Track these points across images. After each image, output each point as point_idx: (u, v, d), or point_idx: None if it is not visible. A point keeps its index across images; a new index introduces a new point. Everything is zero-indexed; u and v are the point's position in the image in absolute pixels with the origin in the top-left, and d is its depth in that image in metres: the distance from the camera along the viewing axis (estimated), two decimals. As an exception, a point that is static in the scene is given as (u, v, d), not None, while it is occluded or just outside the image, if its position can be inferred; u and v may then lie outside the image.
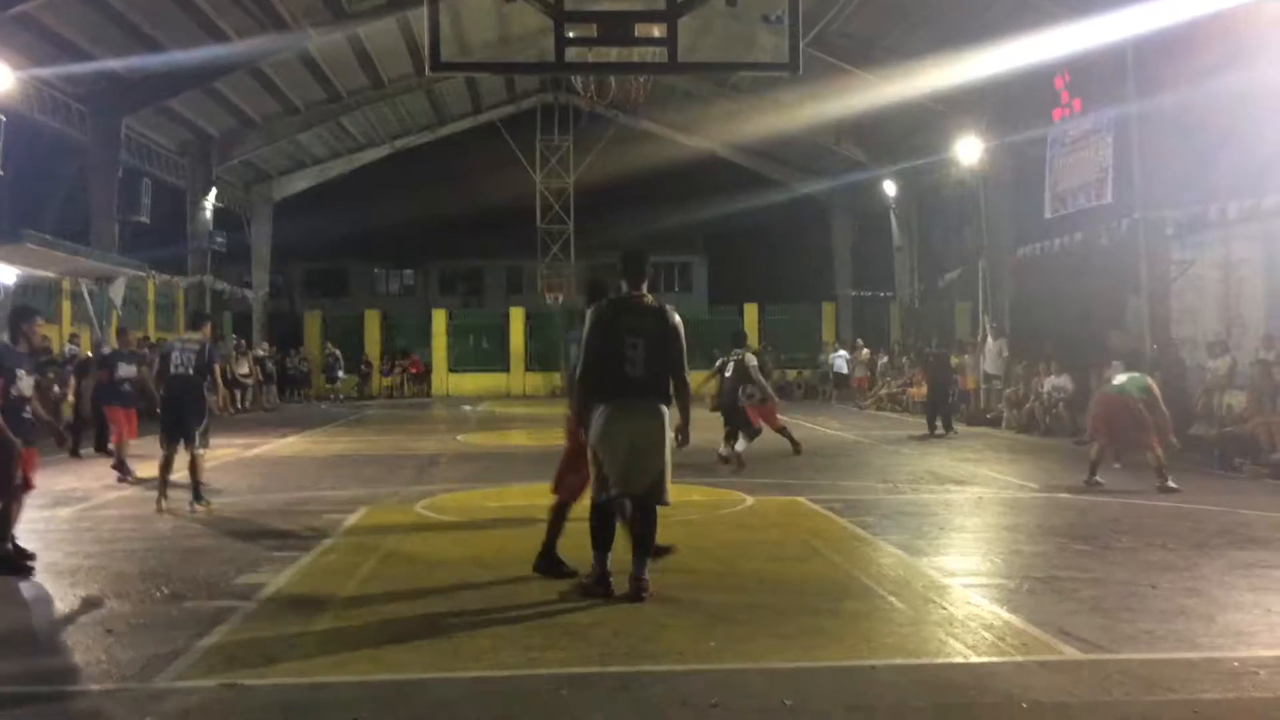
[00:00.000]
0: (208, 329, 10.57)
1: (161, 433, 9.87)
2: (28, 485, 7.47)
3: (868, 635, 5.47)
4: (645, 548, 6.32)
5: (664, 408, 6.29)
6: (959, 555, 7.74)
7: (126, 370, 12.48)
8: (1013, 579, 6.80)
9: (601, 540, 6.34)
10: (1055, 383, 17.59)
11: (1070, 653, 5.15)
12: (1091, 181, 18.13)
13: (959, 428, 18.44)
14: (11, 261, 17.51)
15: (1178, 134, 16.08)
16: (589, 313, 6.53)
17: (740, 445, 12.97)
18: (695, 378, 7.44)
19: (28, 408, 7.46)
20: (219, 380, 10.36)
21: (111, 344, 15.46)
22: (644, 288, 6.49)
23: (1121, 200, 17.35)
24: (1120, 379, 11.27)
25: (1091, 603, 6.10)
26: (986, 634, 5.48)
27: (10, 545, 7.19)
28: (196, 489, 9.68)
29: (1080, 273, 20.03)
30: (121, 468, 11.93)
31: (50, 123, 21.31)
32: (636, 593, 6.18)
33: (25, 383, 7.44)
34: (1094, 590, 6.41)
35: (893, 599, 6.23)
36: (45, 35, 18.92)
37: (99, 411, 13.49)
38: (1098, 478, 11.01)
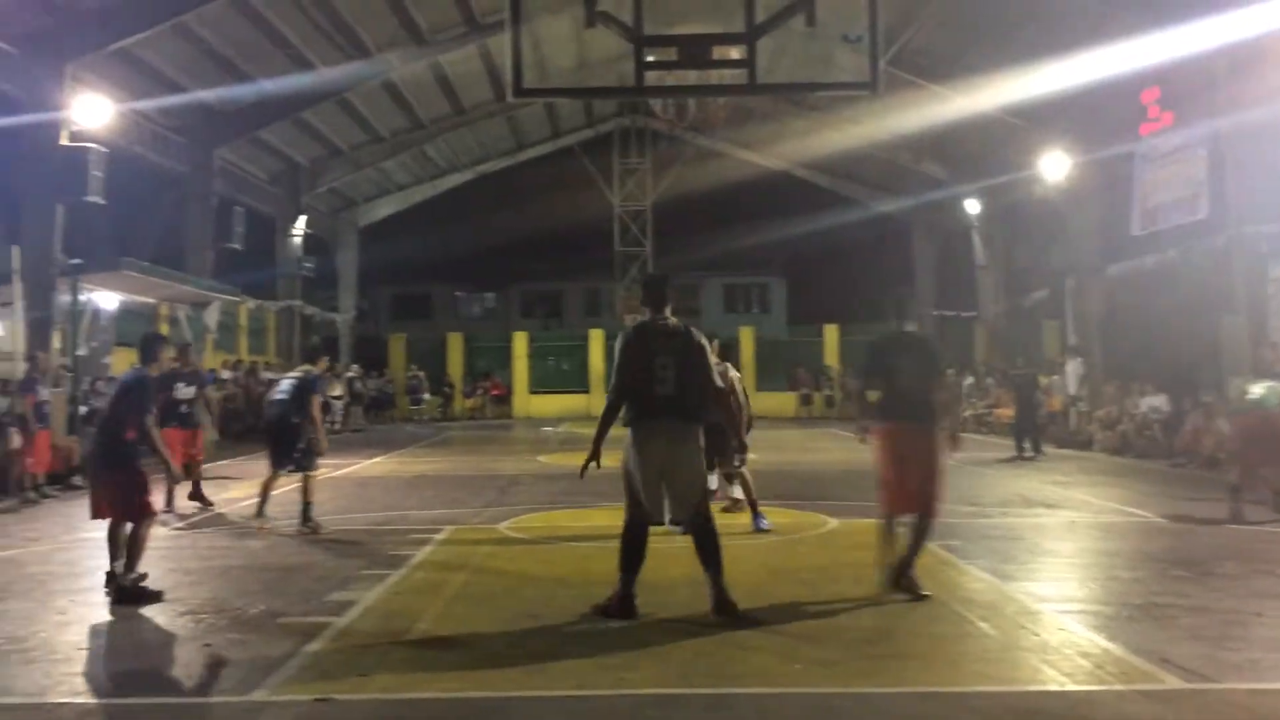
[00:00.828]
0: (322, 363, 10.97)
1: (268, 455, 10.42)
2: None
3: (957, 661, 5.37)
4: (715, 565, 6.32)
5: (698, 426, 6.39)
6: (1051, 580, 7.55)
7: (185, 391, 11.79)
8: (1109, 605, 6.62)
9: (630, 563, 6.34)
10: (1151, 403, 17.12)
11: (1172, 682, 5.00)
12: (1184, 197, 17.65)
13: (1047, 449, 18.03)
14: (112, 288, 18.17)
15: (1273, 147, 15.59)
16: (617, 341, 6.67)
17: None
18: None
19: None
20: (315, 413, 10.06)
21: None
22: (667, 312, 6.57)
23: (1216, 216, 16.86)
24: (1258, 390, 10.32)
25: (1193, 631, 5.91)
26: (1083, 661, 5.34)
27: (138, 575, 7.14)
28: (303, 510, 9.93)
29: (1173, 291, 19.49)
30: (198, 494, 11.62)
31: (148, 154, 22.07)
32: (719, 609, 6.20)
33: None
34: (1196, 618, 6.21)
35: (983, 624, 6.11)
36: (143, 70, 19.64)
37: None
38: (1242, 507, 9.90)
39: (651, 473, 6.29)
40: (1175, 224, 17.99)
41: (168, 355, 8.41)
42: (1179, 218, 17.85)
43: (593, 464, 6.28)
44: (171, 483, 10.98)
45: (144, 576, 7.12)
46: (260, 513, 10.17)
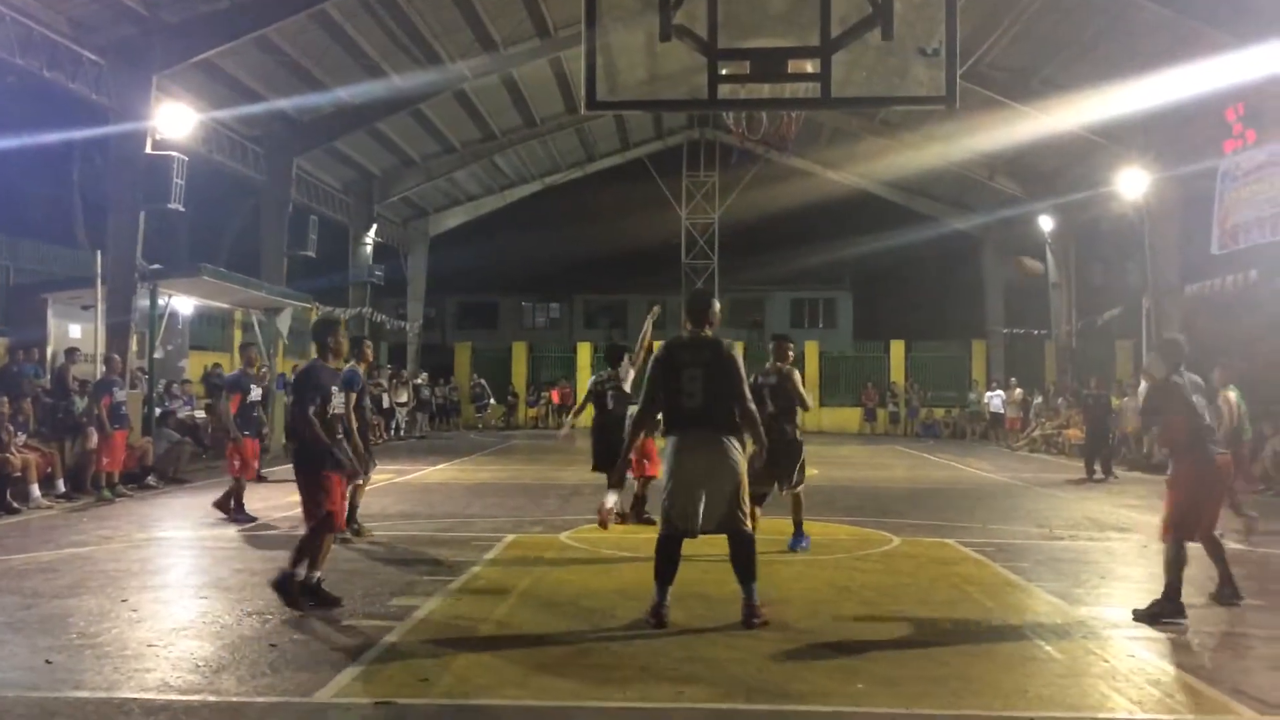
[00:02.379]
0: (367, 355, 10.52)
1: None
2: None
3: (1023, 685, 5.26)
4: (748, 576, 6.39)
5: (728, 438, 6.41)
6: (1122, 606, 7.36)
7: (256, 394, 11.54)
8: (1181, 632, 6.45)
9: (663, 575, 6.43)
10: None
11: (1247, 714, 4.85)
12: (1266, 216, 17.18)
13: (1119, 472, 17.63)
14: (190, 293, 18.62)
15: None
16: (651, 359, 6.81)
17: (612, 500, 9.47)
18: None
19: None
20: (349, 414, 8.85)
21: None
22: (706, 330, 6.60)
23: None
24: None
25: (1270, 661, 5.74)
26: (1153, 690, 5.21)
27: (316, 576, 6.93)
28: (349, 513, 9.81)
29: (1254, 312, 18.96)
30: (224, 504, 11.12)
31: (227, 162, 22.61)
32: (747, 620, 6.30)
33: (338, 399, 7.02)
34: (1272, 648, 6.02)
35: (1050, 648, 5.98)
36: (224, 80, 20.13)
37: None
38: None
39: (680, 484, 6.40)
40: (1257, 243, 17.52)
41: (345, 341, 7.39)
42: (1259, 237, 17.38)
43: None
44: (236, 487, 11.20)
45: (309, 578, 6.84)
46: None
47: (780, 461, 8.69)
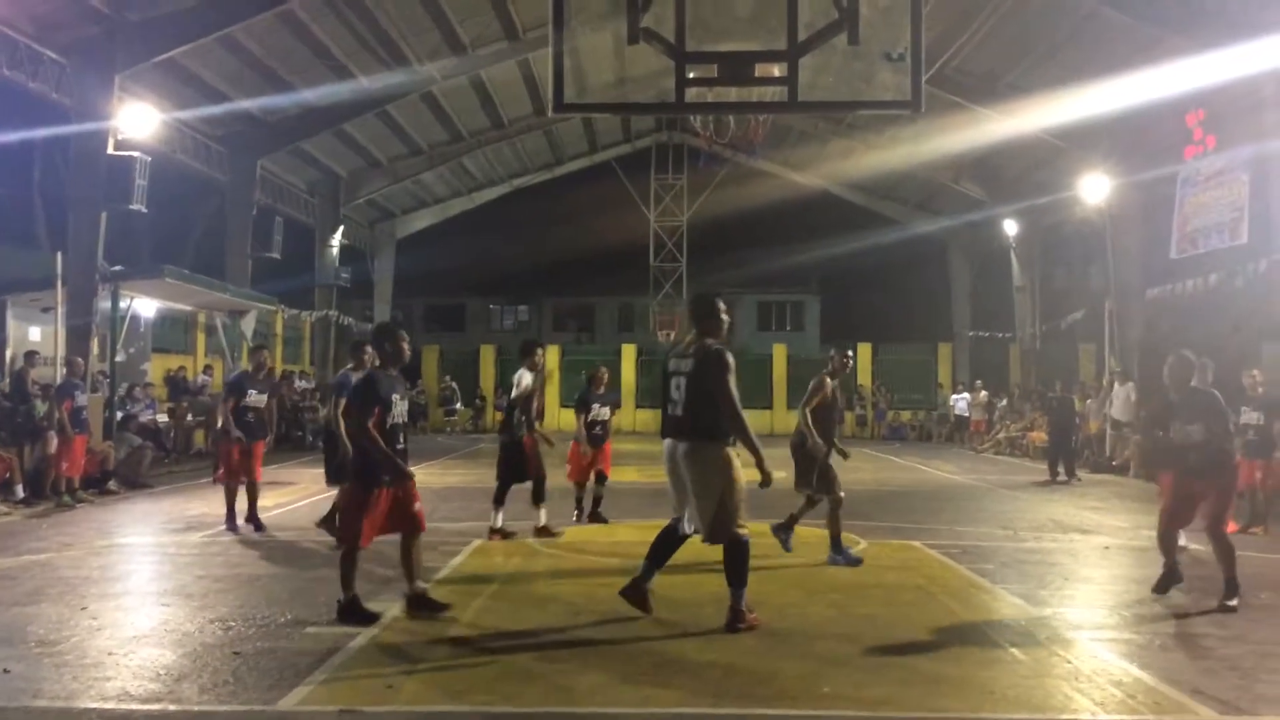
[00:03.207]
0: (368, 358, 9.13)
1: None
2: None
3: (989, 686, 5.30)
4: (734, 580, 6.43)
5: (708, 445, 6.41)
6: (1085, 607, 7.44)
7: (255, 399, 10.92)
8: (1143, 634, 6.52)
9: (654, 553, 6.70)
10: (1190, 431, 16.86)
11: (1206, 714, 4.91)
12: (1225, 222, 17.42)
13: (1082, 474, 17.83)
14: (152, 295, 18.42)
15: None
16: None
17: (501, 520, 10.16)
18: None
19: (400, 436, 6.73)
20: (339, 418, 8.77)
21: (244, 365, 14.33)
22: (710, 331, 6.57)
23: (1258, 241, 16.63)
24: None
25: (1228, 661, 5.81)
26: (1115, 690, 5.26)
27: (421, 586, 6.78)
28: (329, 514, 9.63)
29: (1214, 316, 19.21)
30: (329, 523, 9.69)
31: (191, 163, 22.39)
32: (729, 624, 6.34)
33: (400, 408, 6.75)
34: (1231, 648, 6.10)
35: (1014, 650, 6.03)
36: (188, 79, 19.93)
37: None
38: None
39: (673, 487, 6.63)
40: (1214, 248, 17.77)
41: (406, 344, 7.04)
42: (1218, 242, 17.62)
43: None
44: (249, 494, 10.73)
45: (414, 588, 6.71)
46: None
47: (797, 466, 9.06)
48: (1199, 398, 7.65)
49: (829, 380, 9.16)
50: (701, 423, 6.43)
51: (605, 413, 11.47)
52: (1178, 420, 7.66)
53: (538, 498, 10.14)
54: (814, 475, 9.03)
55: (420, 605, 6.70)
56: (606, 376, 11.71)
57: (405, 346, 6.98)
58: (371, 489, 6.55)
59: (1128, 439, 19.53)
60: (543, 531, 10.10)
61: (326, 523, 9.69)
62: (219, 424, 11.36)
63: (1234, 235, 17.19)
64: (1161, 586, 7.60)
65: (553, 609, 7.01)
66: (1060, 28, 19.46)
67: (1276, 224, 16.16)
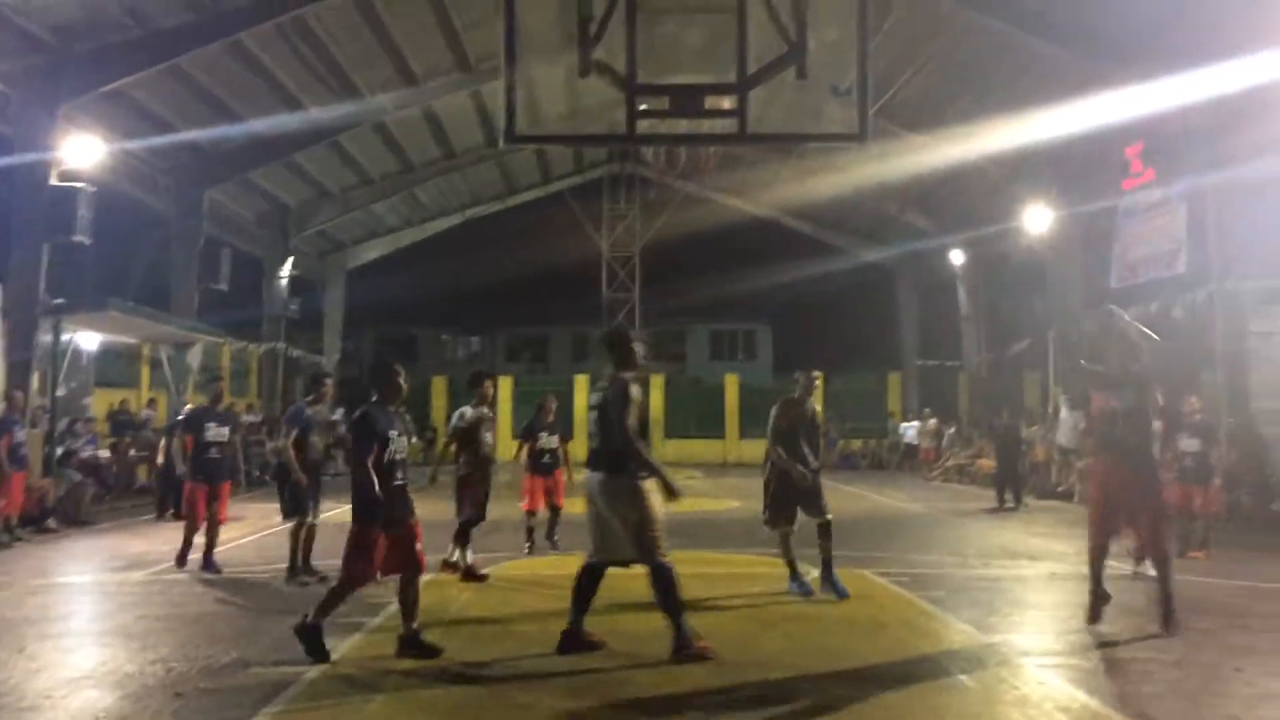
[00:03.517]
0: (326, 391, 10.10)
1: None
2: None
3: (939, 713, 5.33)
4: (667, 610, 6.48)
5: (619, 477, 6.52)
6: (1033, 633, 7.52)
7: (216, 432, 10.68)
8: (1090, 659, 6.60)
9: (576, 597, 6.67)
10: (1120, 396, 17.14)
11: (1152, 738, 4.97)
12: (1163, 252, 17.84)
13: (1029, 501, 18.04)
14: (96, 328, 18.08)
15: (1254, 203, 15.80)
16: None
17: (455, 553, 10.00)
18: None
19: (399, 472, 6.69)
20: (287, 450, 9.62)
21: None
22: (621, 364, 6.76)
23: (1197, 271, 17.03)
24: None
25: (1173, 685, 5.89)
26: (1062, 716, 5.31)
27: (415, 628, 6.64)
28: (290, 561, 9.53)
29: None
30: (183, 556, 10.27)
31: (136, 193, 22.07)
32: (676, 652, 6.37)
33: (399, 443, 6.73)
34: (1176, 672, 6.19)
35: (964, 677, 6.07)
36: (134, 109, 19.68)
37: (171, 477, 13.45)
38: None
39: (590, 513, 6.71)
40: (1153, 278, 18.17)
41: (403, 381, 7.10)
42: (1156, 272, 18.04)
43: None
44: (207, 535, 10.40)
45: (408, 629, 6.60)
46: (295, 569, 9.50)
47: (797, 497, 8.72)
48: (1132, 374, 7.62)
49: (792, 402, 9.02)
50: (613, 452, 6.54)
51: (554, 441, 11.55)
52: (1111, 391, 7.65)
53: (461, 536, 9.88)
54: (821, 499, 8.79)
55: (412, 646, 6.54)
56: (555, 406, 11.77)
57: (401, 381, 7.01)
58: (369, 530, 6.44)
59: (1073, 465, 19.81)
60: (451, 567, 9.81)
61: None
62: (159, 460, 11.12)
63: (1172, 265, 17.60)
64: (1094, 615, 7.51)
65: (505, 642, 6.96)
66: (1002, 61, 19.88)
67: (1215, 254, 16.56)
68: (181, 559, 10.31)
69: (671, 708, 5.42)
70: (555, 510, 11.48)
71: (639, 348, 6.86)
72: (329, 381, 9.77)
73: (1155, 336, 8.06)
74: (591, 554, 6.73)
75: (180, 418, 12.05)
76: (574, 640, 6.57)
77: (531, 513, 11.43)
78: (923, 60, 20.68)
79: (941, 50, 20.19)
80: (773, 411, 8.93)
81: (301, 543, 9.54)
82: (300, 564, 9.52)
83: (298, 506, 9.49)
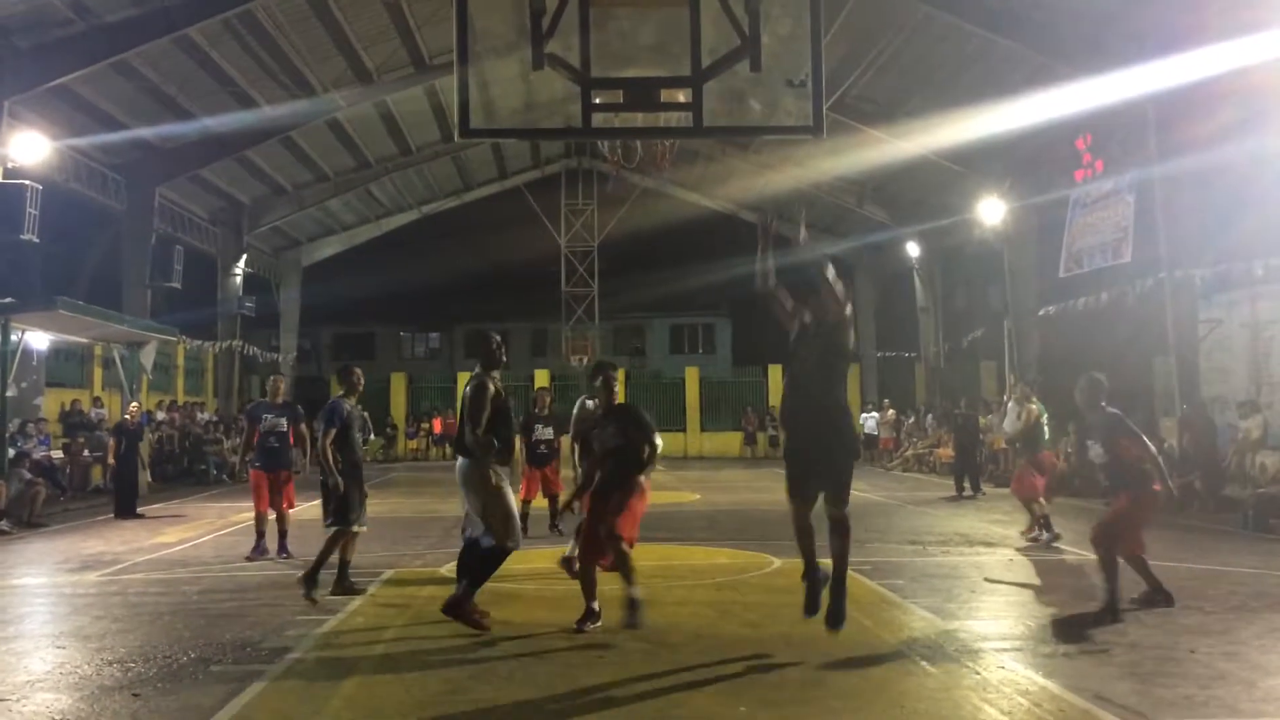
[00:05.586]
0: (353, 382, 9.42)
1: None
2: None
3: (900, 700, 5.38)
4: (464, 572, 7.27)
5: (470, 463, 7.24)
6: (991, 619, 7.62)
7: (274, 423, 10.96)
8: (1047, 643, 6.69)
9: (462, 570, 7.39)
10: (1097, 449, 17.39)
11: (1108, 719, 5.05)
12: (1109, 241, 18.12)
13: (987, 489, 18.25)
14: (45, 327, 17.77)
15: (1201, 193, 16.09)
16: None
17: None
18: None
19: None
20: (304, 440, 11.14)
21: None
22: (484, 363, 7.66)
23: (1140, 260, 17.31)
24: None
25: (1128, 667, 5.99)
26: (1022, 700, 5.38)
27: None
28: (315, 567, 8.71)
29: (1106, 332, 19.91)
30: (258, 547, 10.66)
31: (85, 191, 21.71)
32: (448, 607, 7.03)
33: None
34: (1130, 655, 6.29)
35: (924, 663, 6.14)
36: (81, 106, 19.37)
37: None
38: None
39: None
40: (1097, 267, 18.45)
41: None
42: (1101, 261, 18.32)
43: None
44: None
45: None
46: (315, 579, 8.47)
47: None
48: (1101, 418, 7.92)
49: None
50: (467, 446, 7.24)
51: (549, 432, 12.37)
52: (1091, 438, 7.97)
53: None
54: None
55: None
56: (550, 400, 12.99)
57: (355, 380, 9.04)
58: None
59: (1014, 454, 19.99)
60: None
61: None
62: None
63: (1117, 254, 17.87)
64: (1109, 612, 7.33)
65: (463, 639, 6.91)
66: (955, 56, 20.08)
67: (1164, 243, 16.83)
68: (257, 550, 10.68)
69: (632, 701, 5.43)
70: (553, 499, 11.94)
71: (497, 350, 7.79)
72: (358, 371, 9.48)
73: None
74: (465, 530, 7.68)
75: (245, 410, 13.24)
76: (458, 612, 7.03)
77: (526, 501, 11.77)
78: (877, 54, 20.83)
79: (896, 45, 20.35)
80: None
81: (341, 553, 8.75)
82: (337, 574, 8.70)
83: (343, 516, 8.71)
